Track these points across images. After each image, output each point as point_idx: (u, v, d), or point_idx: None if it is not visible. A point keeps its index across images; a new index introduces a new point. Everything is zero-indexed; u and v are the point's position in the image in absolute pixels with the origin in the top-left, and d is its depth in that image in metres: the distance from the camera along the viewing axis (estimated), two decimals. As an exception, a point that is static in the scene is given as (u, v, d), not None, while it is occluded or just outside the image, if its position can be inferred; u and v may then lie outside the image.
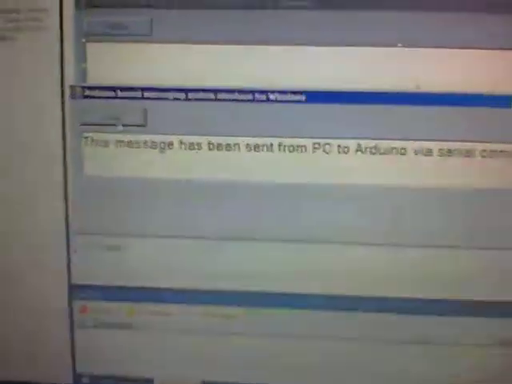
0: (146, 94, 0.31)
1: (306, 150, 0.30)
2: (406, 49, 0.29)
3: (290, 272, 0.32)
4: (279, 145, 0.30)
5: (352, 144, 0.30)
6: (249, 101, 0.30)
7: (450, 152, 0.30)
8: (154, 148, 0.31)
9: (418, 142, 0.30)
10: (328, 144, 0.30)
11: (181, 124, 0.31)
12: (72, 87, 0.31)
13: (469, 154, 0.29)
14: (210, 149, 0.31)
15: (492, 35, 0.28)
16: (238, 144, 0.31)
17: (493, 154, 0.29)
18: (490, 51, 0.28)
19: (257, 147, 0.30)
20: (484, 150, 0.29)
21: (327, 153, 0.30)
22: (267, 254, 0.32)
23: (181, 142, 0.31)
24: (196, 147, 0.31)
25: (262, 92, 0.30)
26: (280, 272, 0.32)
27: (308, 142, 0.30)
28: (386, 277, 0.31)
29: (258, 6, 0.29)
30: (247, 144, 0.31)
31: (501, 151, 0.29)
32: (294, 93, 0.30)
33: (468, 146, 0.29)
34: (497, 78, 0.29)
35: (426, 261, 0.31)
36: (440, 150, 0.30)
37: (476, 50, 0.28)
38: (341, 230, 0.31)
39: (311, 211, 0.31)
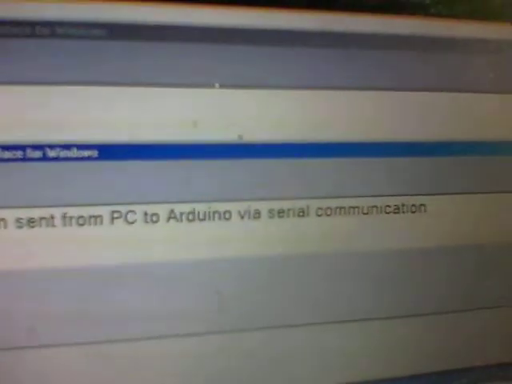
0: None
1: (101, 222, 0.23)
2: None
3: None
4: (63, 216, 0.22)
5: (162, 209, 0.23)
6: (17, 160, 0.22)
7: (281, 212, 0.24)
8: None
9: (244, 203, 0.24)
10: (131, 211, 0.23)
11: None
12: None
13: (302, 213, 0.25)
14: (-39, 229, 0.22)
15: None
16: (3, 219, 0.22)
17: (329, 211, 0.25)
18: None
19: (32, 222, 0.22)
20: (320, 208, 0.25)
21: (130, 223, 0.23)
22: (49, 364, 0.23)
23: None
24: None
25: (35, 147, 0.22)
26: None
27: (104, 211, 0.23)
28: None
29: (25, 33, 0.22)
30: (17, 218, 0.22)
31: (338, 208, 0.25)
32: (83, 147, 0.22)
33: (302, 203, 0.25)
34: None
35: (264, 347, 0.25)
36: (270, 210, 0.24)
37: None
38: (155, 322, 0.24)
39: (112, 302, 0.23)
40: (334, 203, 0.25)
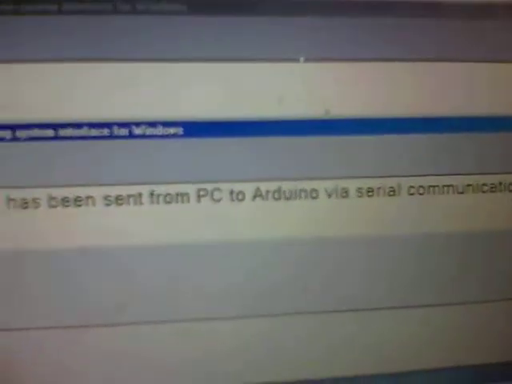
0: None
1: (188, 200, 0.23)
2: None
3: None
4: (151, 194, 0.22)
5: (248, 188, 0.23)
6: (105, 137, 0.22)
7: (370, 191, 0.23)
8: (-30, 210, 0.21)
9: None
10: (217, 189, 0.23)
11: (7, 173, 0.21)
12: None
13: (393, 192, 0.24)
14: (51, 205, 0.22)
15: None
16: (92, 197, 0.22)
17: (422, 190, 0.24)
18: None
19: (120, 199, 0.22)
20: (412, 187, 0.24)
21: (216, 201, 0.23)
22: (137, 341, 0.23)
23: (8, 199, 0.22)
24: (31, 204, 0.22)
25: (122, 125, 0.22)
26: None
27: (191, 189, 0.23)
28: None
29: (107, 10, 0.22)
30: (106, 196, 0.22)
31: (431, 186, 0.24)
32: (168, 124, 0.22)
33: (393, 182, 0.23)
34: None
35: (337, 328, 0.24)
36: (359, 189, 0.23)
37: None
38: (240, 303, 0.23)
39: (199, 280, 0.23)
40: (426, 181, 0.24)
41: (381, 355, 0.25)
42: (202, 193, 0.23)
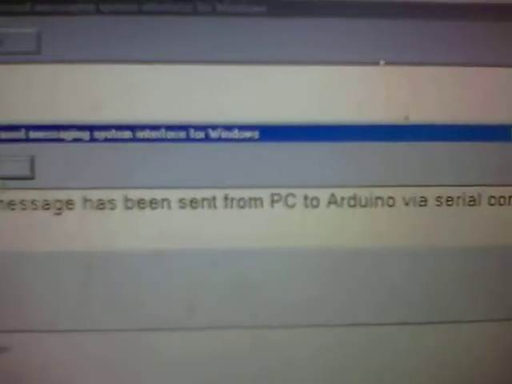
0: (33, 135, 0.21)
1: (262, 204, 0.22)
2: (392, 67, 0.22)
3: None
4: (225, 198, 0.22)
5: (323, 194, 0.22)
6: (181, 140, 0.22)
7: (450, 200, 0.23)
8: (47, 209, 0.22)
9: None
10: (291, 195, 0.22)
11: (84, 174, 0.22)
12: None
13: (473, 202, 0.23)
14: (127, 207, 0.22)
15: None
16: (167, 199, 0.22)
17: (503, 200, 0.23)
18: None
19: (194, 202, 0.22)
20: (493, 197, 0.23)
21: (290, 206, 0.22)
22: (205, 346, 0.23)
23: (85, 200, 0.22)
24: (107, 206, 0.22)
25: (198, 128, 0.22)
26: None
27: (264, 194, 0.22)
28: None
29: (187, 11, 0.21)
30: (180, 199, 0.22)
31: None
32: (244, 128, 0.22)
33: (474, 191, 0.23)
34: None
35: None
36: (438, 197, 0.23)
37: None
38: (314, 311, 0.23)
39: (270, 287, 0.23)
40: (508, 192, 0.23)
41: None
42: (275, 198, 0.22)
